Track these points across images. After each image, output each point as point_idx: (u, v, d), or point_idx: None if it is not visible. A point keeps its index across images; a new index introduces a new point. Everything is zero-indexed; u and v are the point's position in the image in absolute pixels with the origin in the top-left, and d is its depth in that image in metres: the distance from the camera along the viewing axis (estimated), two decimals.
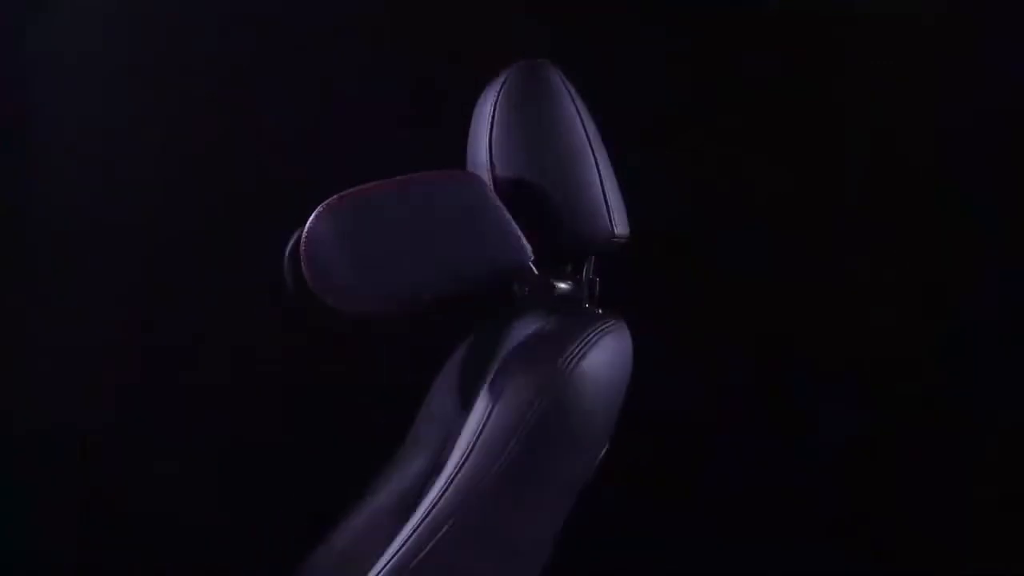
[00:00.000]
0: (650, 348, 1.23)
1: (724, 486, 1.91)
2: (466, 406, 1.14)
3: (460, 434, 1.03)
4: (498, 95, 1.13)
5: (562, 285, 1.12)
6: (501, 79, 1.15)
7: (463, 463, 0.99)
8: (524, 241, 1.04)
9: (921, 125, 1.87)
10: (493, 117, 1.13)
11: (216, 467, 1.95)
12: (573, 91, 1.14)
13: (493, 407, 1.00)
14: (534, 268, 1.06)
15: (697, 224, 1.89)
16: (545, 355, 1.01)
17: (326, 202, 1.01)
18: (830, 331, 1.90)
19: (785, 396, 1.90)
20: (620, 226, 1.13)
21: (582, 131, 1.12)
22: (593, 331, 1.04)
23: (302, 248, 1.01)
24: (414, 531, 0.99)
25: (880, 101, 1.89)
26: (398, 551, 0.99)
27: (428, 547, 0.98)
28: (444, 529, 0.98)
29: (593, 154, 1.12)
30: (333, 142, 1.93)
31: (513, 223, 1.04)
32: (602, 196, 1.11)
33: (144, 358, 1.96)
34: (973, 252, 1.87)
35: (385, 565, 0.99)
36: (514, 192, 1.10)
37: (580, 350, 1.01)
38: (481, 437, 1.00)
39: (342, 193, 1.01)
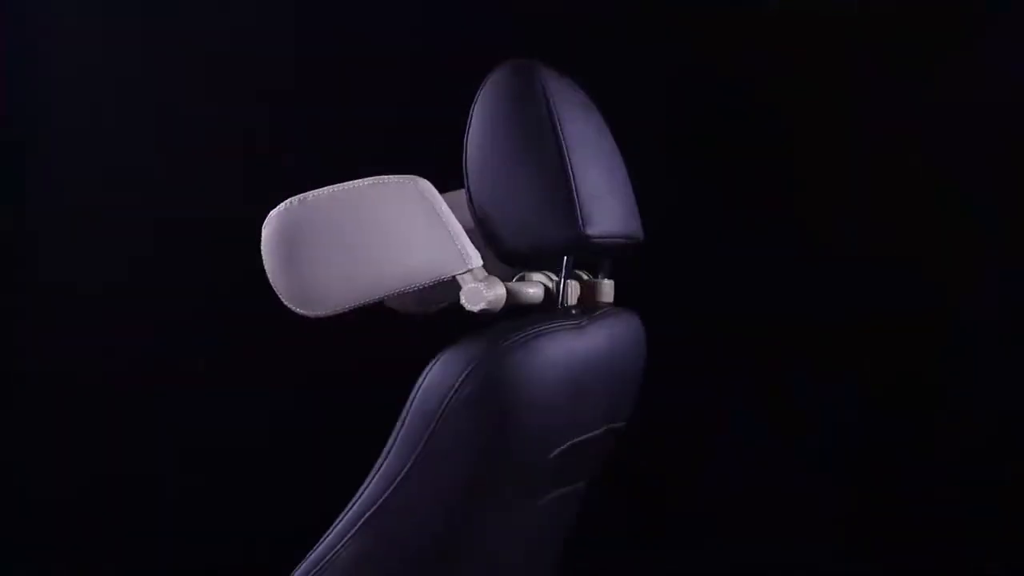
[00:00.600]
0: (649, 347, 1.23)
1: (724, 486, 1.91)
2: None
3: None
4: (477, 97, 1.14)
5: (531, 290, 1.13)
6: (485, 80, 1.15)
7: (388, 452, 1.01)
8: (464, 248, 1.06)
9: (922, 125, 1.87)
10: (471, 119, 1.14)
11: (215, 467, 1.96)
12: (553, 91, 1.13)
13: (416, 393, 1.01)
14: (479, 273, 1.07)
15: (697, 223, 1.89)
16: (478, 340, 1.02)
17: (276, 208, 1.06)
18: (829, 332, 1.90)
19: (785, 396, 1.90)
20: (598, 226, 1.11)
21: (552, 132, 1.11)
22: (549, 326, 1.05)
23: (262, 252, 1.07)
24: (339, 522, 1.01)
25: (881, 101, 1.89)
26: (322, 542, 1.02)
27: (347, 537, 1.01)
28: (363, 519, 1.00)
29: (566, 155, 1.11)
30: (337, 141, 1.94)
31: (452, 229, 1.06)
32: (573, 197, 1.10)
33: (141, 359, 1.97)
34: (973, 252, 1.87)
35: (308, 557, 1.02)
36: (487, 195, 1.11)
37: (524, 337, 1.02)
38: (404, 424, 1.01)
39: (291, 198, 1.06)
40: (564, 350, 1.06)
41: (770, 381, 1.90)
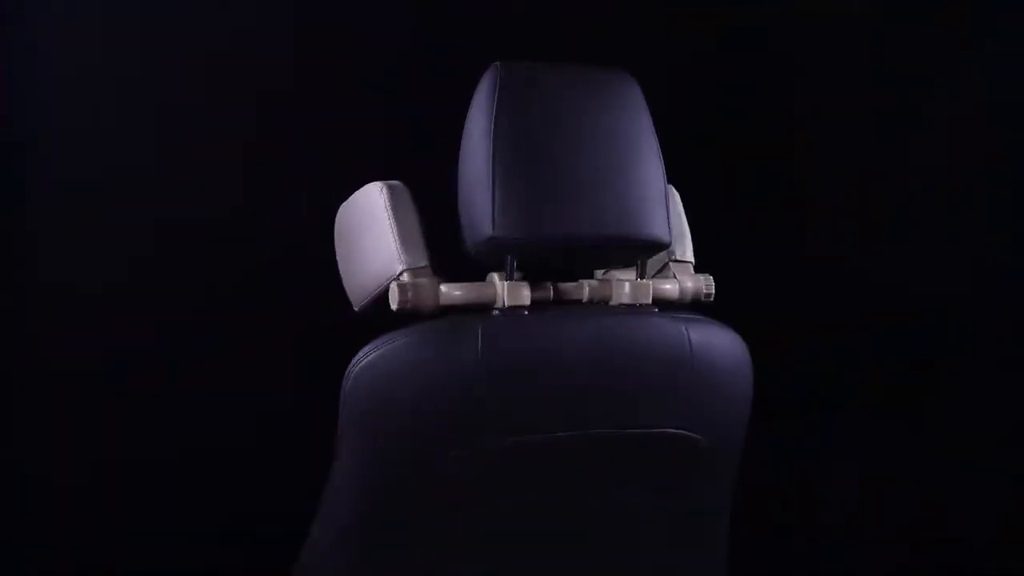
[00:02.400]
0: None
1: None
2: None
3: None
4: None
5: (457, 292, 1.15)
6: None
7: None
8: (400, 249, 1.12)
9: (921, 125, 1.88)
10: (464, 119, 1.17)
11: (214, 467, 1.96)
12: (517, 89, 1.14)
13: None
14: (420, 273, 1.13)
15: (697, 223, 1.89)
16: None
17: None
18: (829, 332, 1.90)
19: (786, 396, 1.91)
20: (513, 229, 1.12)
21: (486, 134, 1.13)
22: (419, 332, 1.09)
23: None
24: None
25: (881, 101, 1.89)
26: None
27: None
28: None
29: (490, 156, 1.12)
30: (337, 141, 1.94)
31: (395, 230, 1.13)
32: (489, 198, 1.11)
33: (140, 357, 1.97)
34: (974, 252, 1.87)
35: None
36: (457, 196, 1.15)
37: (380, 344, 1.08)
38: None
39: None
40: (430, 357, 1.08)
41: (770, 381, 1.90)
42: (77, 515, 1.98)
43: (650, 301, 1.20)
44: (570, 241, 1.13)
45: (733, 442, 1.19)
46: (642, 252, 1.18)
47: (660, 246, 1.16)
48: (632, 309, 1.19)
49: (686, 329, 1.17)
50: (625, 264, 1.24)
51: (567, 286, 1.22)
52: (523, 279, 1.16)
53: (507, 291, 1.15)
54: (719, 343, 1.19)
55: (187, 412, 1.97)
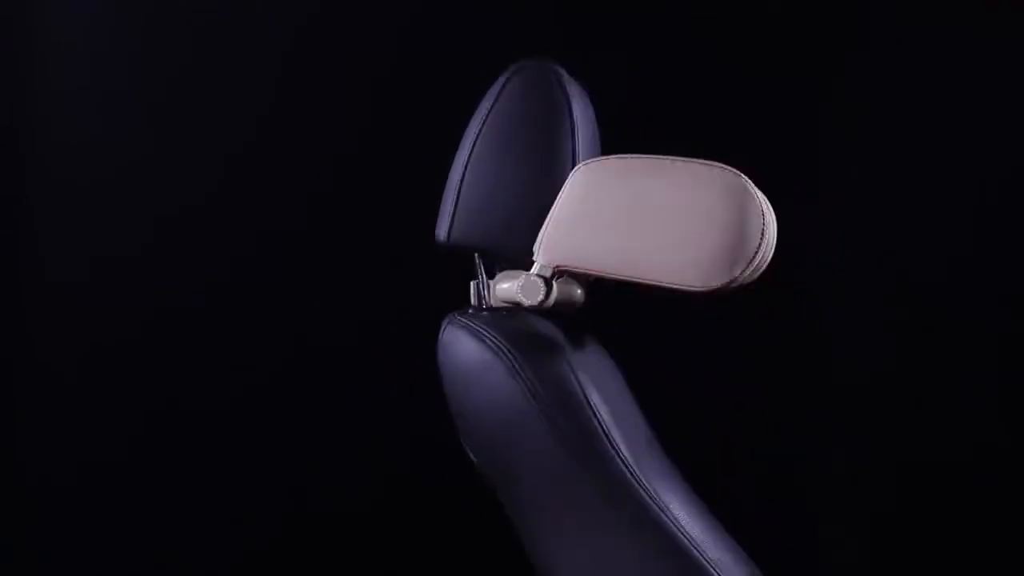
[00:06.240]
0: (651, 348, 1.23)
1: (725, 486, 1.91)
2: None
3: None
4: None
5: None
6: None
7: None
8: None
9: (922, 124, 1.87)
10: None
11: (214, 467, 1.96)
12: (494, 90, 1.18)
13: None
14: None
15: None
16: None
17: None
18: (829, 332, 1.90)
19: (785, 395, 1.91)
20: (445, 231, 1.17)
21: (473, 131, 1.18)
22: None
23: None
24: None
25: (882, 100, 1.89)
26: None
27: None
28: None
29: (463, 160, 1.17)
30: (337, 141, 1.94)
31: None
32: (451, 199, 1.17)
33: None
34: (975, 251, 1.87)
35: None
36: None
37: None
38: None
39: None
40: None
41: (769, 381, 1.91)
42: (76, 513, 1.97)
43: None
44: (477, 247, 1.18)
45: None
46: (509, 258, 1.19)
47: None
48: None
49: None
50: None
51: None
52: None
53: (476, 290, 1.19)
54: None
55: (187, 410, 1.97)
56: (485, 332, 1.11)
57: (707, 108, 1.91)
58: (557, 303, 1.14)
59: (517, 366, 1.09)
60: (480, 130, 1.18)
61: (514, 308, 1.15)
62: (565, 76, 1.18)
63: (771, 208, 1.06)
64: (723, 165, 1.07)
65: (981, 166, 1.85)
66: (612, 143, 1.26)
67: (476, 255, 1.18)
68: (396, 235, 1.82)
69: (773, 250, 1.06)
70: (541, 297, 1.13)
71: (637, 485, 1.06)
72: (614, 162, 1.12)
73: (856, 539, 1.92)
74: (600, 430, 1.07)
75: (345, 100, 1.94)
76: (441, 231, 1.18)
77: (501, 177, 1.16)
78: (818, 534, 1.92)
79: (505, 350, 1.10)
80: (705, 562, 1.04)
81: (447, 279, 1.22)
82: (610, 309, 1.27)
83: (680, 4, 1.89)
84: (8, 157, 1.94)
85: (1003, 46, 1.83)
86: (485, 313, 1.16)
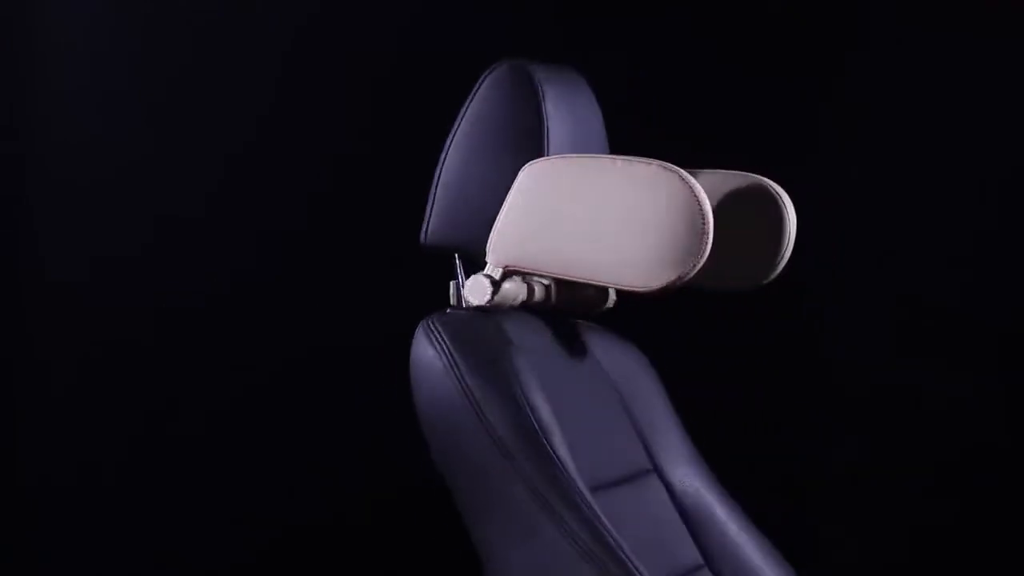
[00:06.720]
0: (651, 348, 1.23)
1: (725, 486, 1.91)
2: None
3: None
4: None
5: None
6: None
7: None
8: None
9: (921, 123, 1.87)
10: None
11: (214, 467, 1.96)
12: (475, 92, 1.18)
13: None
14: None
15: None
16: None
17: None
18: (830, 332, 1.90)
19: (785, 395, 1.90)
20: (424, 232, 1.20)
21: (451, 133, 1.19)
22: None
23: None
24: None
25: (882, 100, 1.89)
26: None
27: None
28: None
29: (444, 156, 1.19)
30: (337, 141, 1.94)
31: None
32: (429, 202, 1.20)
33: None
34: (975, 251, 1.87)
35: None
36: None
37: None
38: None
39: None
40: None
41: (769, 381, 1.90)
42: (76, 512, 1.97)
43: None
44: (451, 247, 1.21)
45: None
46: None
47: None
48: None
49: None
50: None
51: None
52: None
53: (453, 290, 1.21)
54: None
55: (187, 410, 1.96)
56: (434, 332, 1.11)
57: (707, 108, 1.91)
58: (500, 303, 1.15)
59: (453, 365, 1.09)
60: (455, 132, 1.19)
61: (492, 308, 1.16)
62: (541, 76, 1.17)
63: (711, 209, 1.04)
64: (664, 164, 1.05)
65: (981, 166, 1.85)
66: (612, 143, 1.27)
67: (456, 255, 1.18)
68: (396, 235, 1.81)
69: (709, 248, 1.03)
70: (488, 297, 1.14)
71: (569, 486, 1.04)
72: (557, 162, 1.12)
73: (856, 539, 1.92)
74: (534, 430, 1.06)
75: (345, 100, 1.94)
76: (422, 232, 1.20)
77: (471, 178, 1.17)
78: (818, 534, 1.91)
79: (446, 350, 1.09)
80: (632, 566, 1.02)
81: (447, 279, 1.22)
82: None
83: (680, 4, 1.89)
84: (8, 157, 1.94)
85: (1003, 46, 1.83)
86: (463, 313, 1.16)
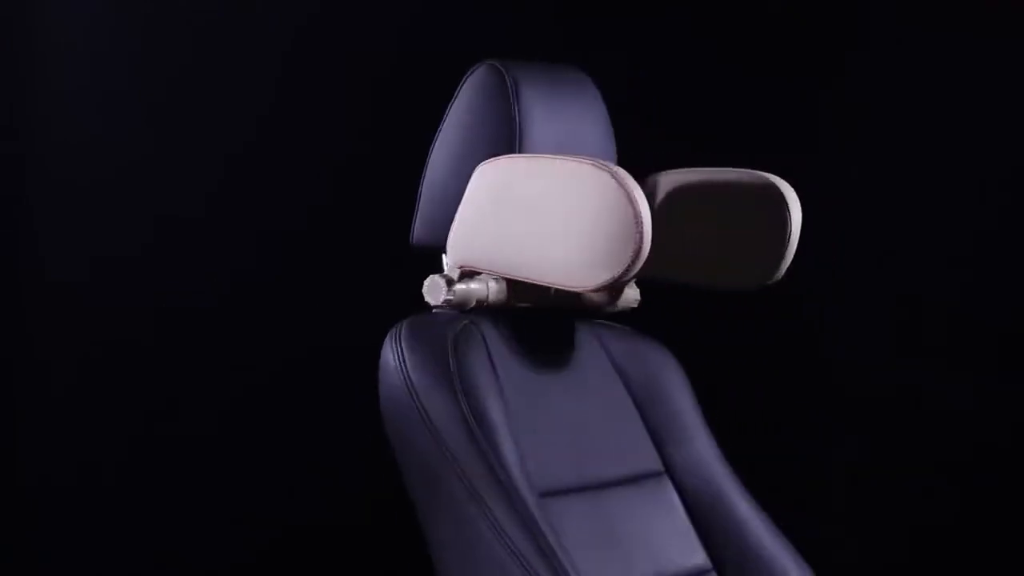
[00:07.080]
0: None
1: None
2: None
3: None
4: None
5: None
6: None
7: None
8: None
9: (921, 123, 1.87)
10: None
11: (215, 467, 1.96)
12: (457, 93, 1.20)
13: None
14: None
15: None
16: None
17: None
18: (830, 332, 1.90)
19: (785, 395, 1.90)
20: (412, 233, 1.21)
21: (436, 133, 1.21)
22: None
23: None
24: None
25: (882, 103, 1.89)
26: None
27: None
28: None
29: (429, 156, 1.20)
30: (337, 141, 1.94)
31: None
32: (417, 200, 1.21)
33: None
34: (975, 251, 1.87)
35: None
36: None
37: None
38: None
39: None
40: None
41: (769, 381, 1.90)
42: (75, 511, 1.97)
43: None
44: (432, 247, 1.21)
45: None
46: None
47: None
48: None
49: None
50: None
51: None
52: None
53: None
54: None
55: (187, 409, 1.96)
56: (395, 332, 1.13)
57: (707, 108, 1.91)
58: (463, 303, 1.16)
59: (401, 362, 1.10)
60: (439, 133, 1.20)
61: (474, 308, 1.16)
62: (517, 76, 1.17)
63: (648, 207, 1.02)
64: (600, 163, 1.05)
65: (981, 166, 1.85)
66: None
67: (443, 255, 1.19)
68: (396, 235, 1.81)
69: (648, 246, 1.03)
70: (444, 297, 1.15)
71: (505, 485, 1.05)
72: (505, 162, 1.12)
73: (856, 539, 1.92)
74: (469, 425, 1.07)
75: (345, 100, 1.94)
76: (410, 233, 1.22)
77: (452, 178, 1.18)
78: (818, 534, 1.91)
79: (398, 348, 1.11)
80: (563, 571, 1.02)
81: None
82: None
83: (680, 4, 1.89)
84: (8, 157, 1.94)
85: (1003, 46, 1.83)
86: (437, 313, 1.17)
